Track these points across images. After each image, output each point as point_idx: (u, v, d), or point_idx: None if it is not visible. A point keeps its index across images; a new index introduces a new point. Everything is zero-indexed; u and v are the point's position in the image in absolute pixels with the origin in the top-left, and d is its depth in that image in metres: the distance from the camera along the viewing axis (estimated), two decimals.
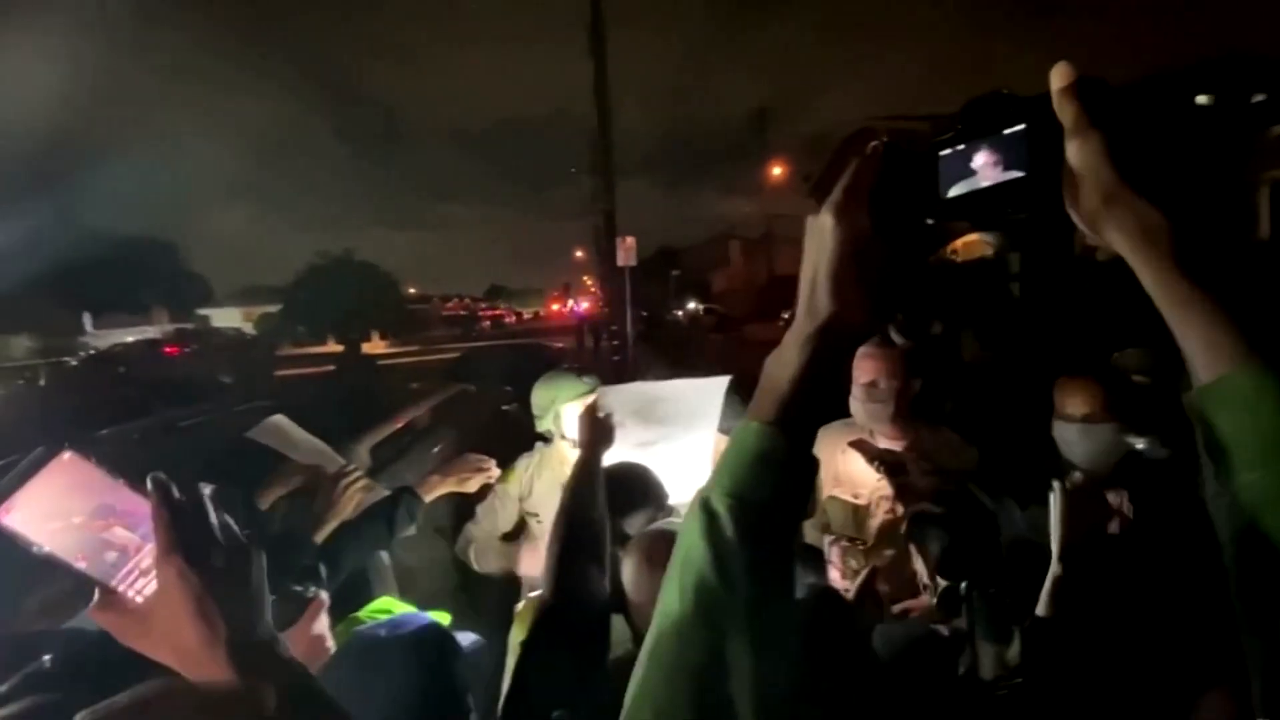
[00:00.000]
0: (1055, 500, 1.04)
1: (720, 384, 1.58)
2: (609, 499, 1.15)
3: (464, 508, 1.96)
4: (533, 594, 1.69)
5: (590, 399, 1.57)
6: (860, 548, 1.61)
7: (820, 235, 0.44)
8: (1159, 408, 1.29)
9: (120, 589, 0.49)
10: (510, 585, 1.83)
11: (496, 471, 1.77)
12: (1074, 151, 0.38)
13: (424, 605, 1.32)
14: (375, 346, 26.51)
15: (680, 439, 1.60)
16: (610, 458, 1.34)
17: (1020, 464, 1.45)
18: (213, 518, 0.52)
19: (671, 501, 1.49)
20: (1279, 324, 0.35)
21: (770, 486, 0.42)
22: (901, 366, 1.62)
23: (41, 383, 12.84)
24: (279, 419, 1.57)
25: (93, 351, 19.07)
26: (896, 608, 1.53)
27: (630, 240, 11.04)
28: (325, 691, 0.54)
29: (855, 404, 1.66)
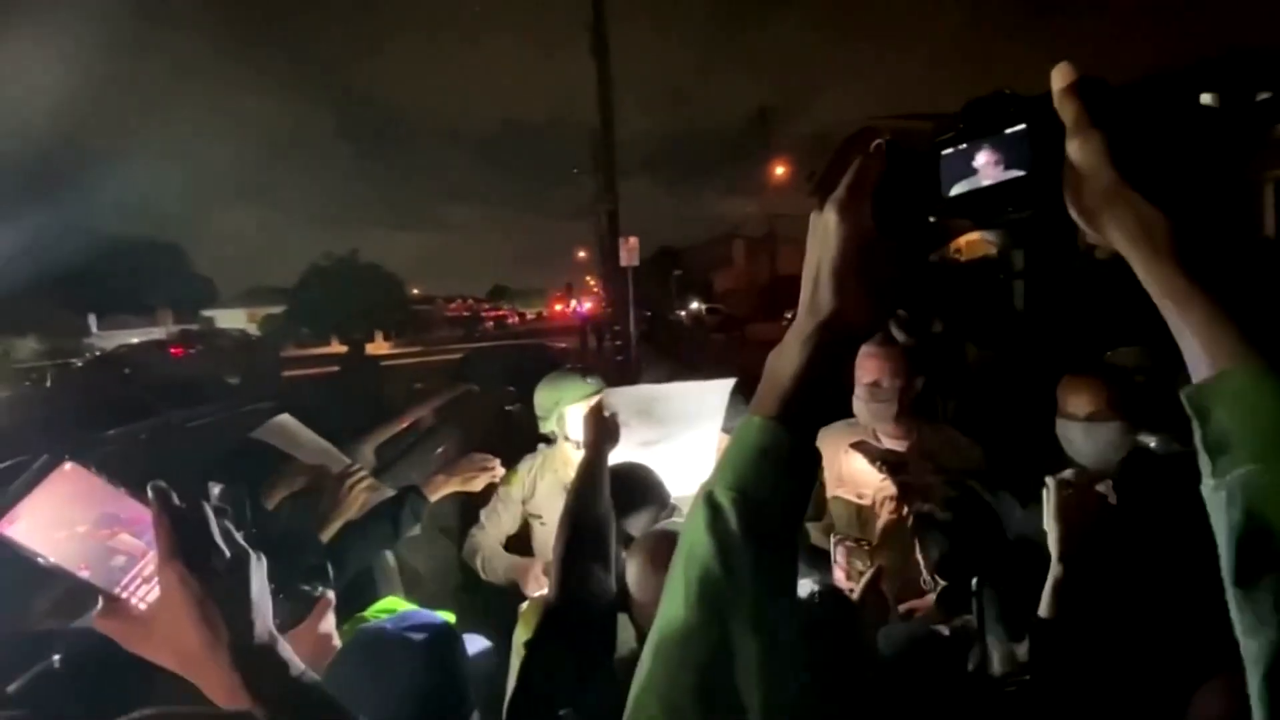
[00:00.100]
0: (1048, 498, 1.03)
1: (724, 386, 1.58)
2: (611, 499, 1.16)
3: (469, 508, 1.97)
4: (536, 594, 1.70)
5: (594, 400, 1.57)
6: (865, 548, 1.61)
7: (823, 233, 0.45)
8: (1161, 405, 1.29)
9: (123, 596, 0.50)
10: (514, 586, 1.84)
11: (502, 470, 1.78)
12: (1074, 151, 0.38)
13: (429, 605, 1.33)
14: (379, 347, 26.56)
15: (684, 440, 1.60)
16: (614, 458, 1.34)
17: (1023, 462, 1.45)
18: (213, 523, 0.53)
19: (675, 501, 1.49)
20: (1277, 320, 0.35)
21: (773, 481, 0.43)
22: (905, 365, 1.62)
23: (48, 384, 12.90)
24: (285, 419, 1.58)
25: (98, 353, 19.16)
26: (902, 608, 1.53)
27: (633, 240, 11.04)
28: (327, 693, 0.55)
29: (859, 404, 1.66)
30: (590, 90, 11.18)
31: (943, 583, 1.14)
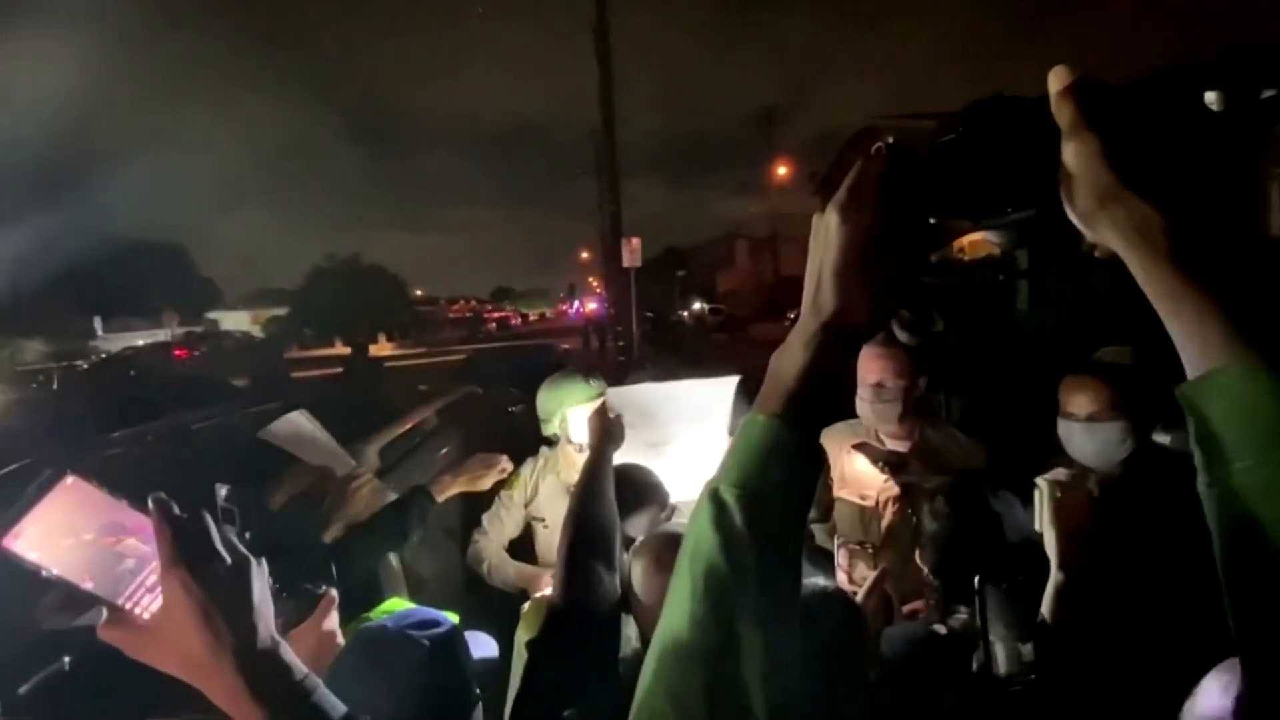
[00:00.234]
0: (1041, 500, 1.02)
1: (728, 384, 1.58)
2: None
3: (472, 510, 1.97)
4: (538, 594, 1.70)
5: (597, 403, 1.57)
6: (869, 551, 1.61)
7: (825, 234, 0.45)
8: (1161, 404, 1.28)
9: (127, 607, 0.50)
10: (519, 590, 1.84)
11: (510, 466, 1.78)
12: (1070, 153, 0.39)
13: (433, 606, 1.33)
14: (382, 348, 26.63)
15: (689, 439, 1.60)
16: (619, 459, 1.34)
17: (1025, 462, 1.44)
18: (214, 531, 0.54)
19: (676, 501, 1.49)
20: (1272, 318, 0.35)
21: (777, 478, 0.43)
22: (908, 366, 1.62)
23: (54, 386, 12.96)
24: (299, 415, 1.59)
25: (104, 355, 19.25)
26: (906, 609, 1.53)
27: (635, 241, 11.05)
28: (330, 696, 0.55)
29: (862, 405, 1.66)
30: (593, 91, 11.21)
31: (943, 583, 1.14)
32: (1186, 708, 0.45)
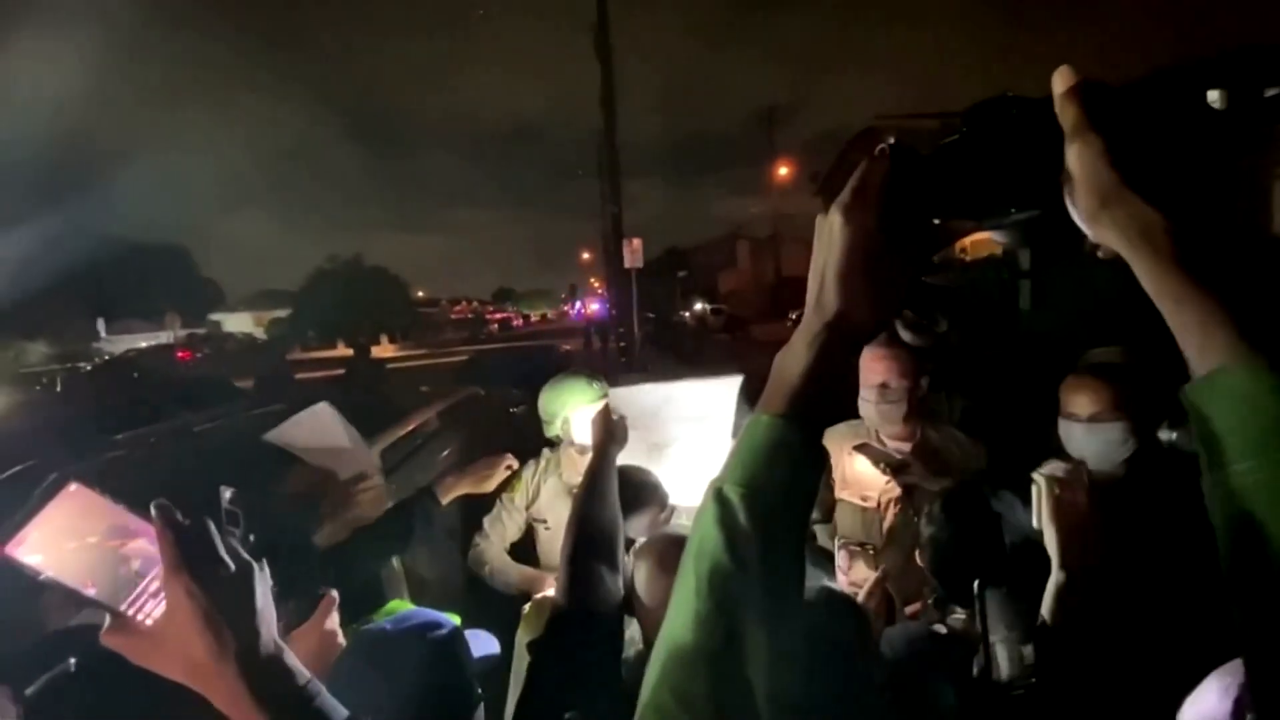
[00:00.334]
0: (1039, 497, 1.01)
1: (731, 385, 1.58)
2: None
3: (474, 511, 1.97)
4: (538, 595, 1.70)
5: (599, 404, 1.57)
6: (870, 552, 1.61)
7: (828, 235, 0.45)
8: (1162, 404, 1.28)
9: (130, 613, 0.51)
10: (521, 593, 1.84)
11: (515, 464, 1.78)
12: (1073, 153, 0.39)
13: (435, 608, 1.33)
14: (385, 350, 26.67)
15: (691, 440, 1.60)
16: (623, 461, 1.34)
17: (1026, 462, 1.44)
18: (217, 536, 0.54)
19: (676, 502, 1.49)
20: (1275, 319, 0.36)
21: (781, 477, 0.43)
22: (912, 366, 1.62)
23: (58, 388, 13.00)
24: (323, 409, 1.58)
25: (107, 357, 19.30)
26: (908, 610, 1.53)
27: (637, 242, 11.04)
28: (332, 700, 0.55)
29: (867, 406, 1.66)
30: (594, 92, 11.21)
31: (943, 585, 1.14)
32: (1185, 710, 0.45)
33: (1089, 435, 1.32)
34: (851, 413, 1.72)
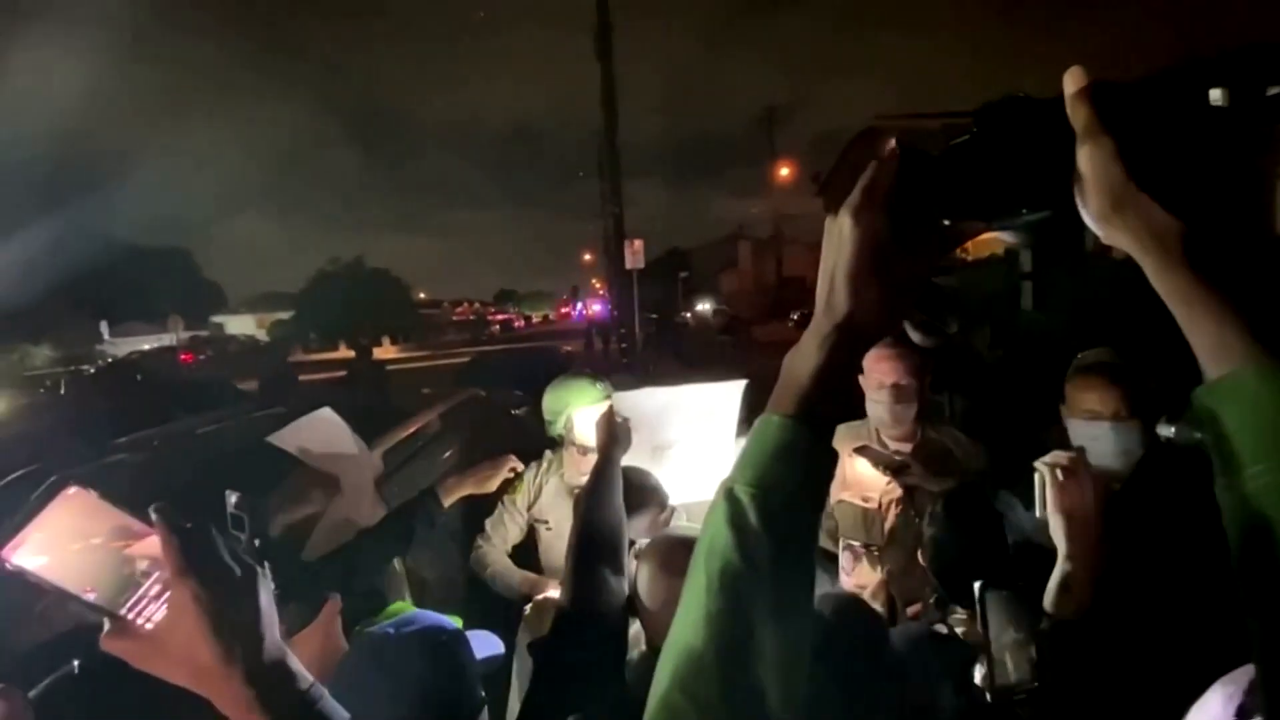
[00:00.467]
0: (1044, 487, 1.00)
1: (736, 388, 1.58)
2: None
3: (476, 513, 1.97)
4: (539, 596, 1.70)
5: (603, 405, 1.57)
6: (875, 554, 1.61)
7: (837, 236, 0.46)
8: (1167, 402, 1.27)
9: (129, 617, 0.50)
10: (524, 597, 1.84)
11: (519, 465, 1.78)
12: (1085, 155, 0.39)
13: (437, 609, 1.33)
14: (386, 351, 26.70)
15: (694, 443, 1.60)
16: (625, 463, 1.34)
17: (1027, 462, 1.43)
18: (219, 539, 0.54)
19: (676, 503, 1.49)
20: None
21: (791, 476, 0.44)
22: (920, 366, 1.62)
23: (62, 391, 13.03)
24: (325, 414, 1.59)
25: (110, 359, 19.34)
26: (909, 610, 1.52)
27: (638, 243, 11.05)
28: (334, 704, 0.55)
29: (877, 407, 1.66)
30: (595, 94, 11.23)
31: (944, 585, 1.13)
32: (1189, 718, 0.44)
33: (1115, 434, 1.29)
34: (856, 413, 1.72)
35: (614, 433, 1.32)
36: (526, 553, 1.94)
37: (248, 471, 1.56)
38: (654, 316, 20.29)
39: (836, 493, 1.70)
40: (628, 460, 1.33)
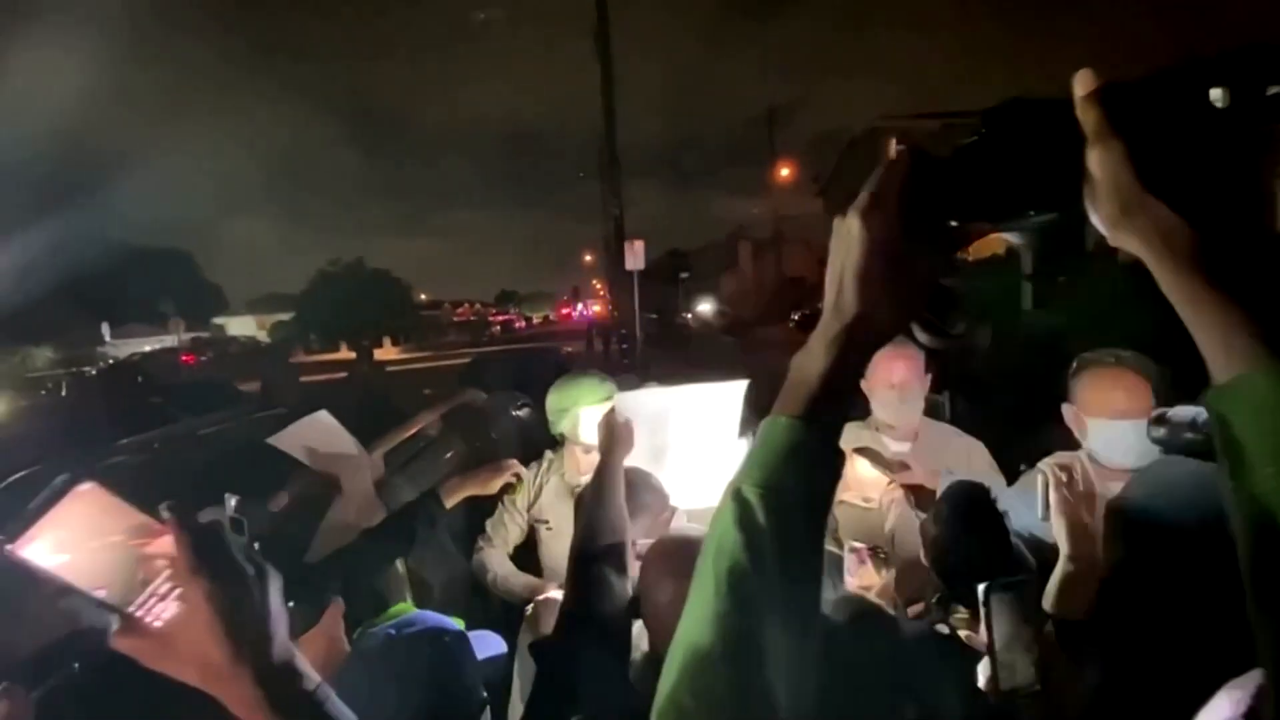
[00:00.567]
0: (1047, 488, 0.99)
1: (738, 388, 1.58)
2: None
3: (478, 514, 1.97)
4: (540, 597, 1.70)
5: (609, 405, 1.57)
6: (881, 556, 1.61)
7: (846, 238, 0.46)
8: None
9: (138, 615, 0.50)
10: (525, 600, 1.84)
11: (522, 471, 1.78)
12: (1095, 159, 0.39)
13: (439, 610, 1.33)
14: (387, 352, 26.73)
15: (696, 444, 1.60)
16: (627, 464, 1.34)
17: (1027, 461, 1.42)
18: (231, 538, 0.54)
19: (678, 505, 1.49)
20: None
21: (799, 477, 0.44)
22: (926, 365, 1.63)
23: (63, 393, 13.05)
24: (322, 417, 1.59)
25: (112, 361, 19.37)
26: (911, 610, 1.52)
27: (638, 243, 11.05)
28: (341, 704, 0.56)
29: (884, 407, 1.66)
30: (595, 95, 11.24)
31: (948, 585, 1.13)
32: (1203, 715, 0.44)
33: (1141, 434, 1.27)
34: (859, 415, 1.72)
35: (616, 434, 1.32)
36: (527, 552, 1.94)
37: (249, 473, 1.56)
38: (655, 317, 20.31)
39: (837, 494, 1.70)
40: (629, 461, 1.33)
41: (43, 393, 13.62)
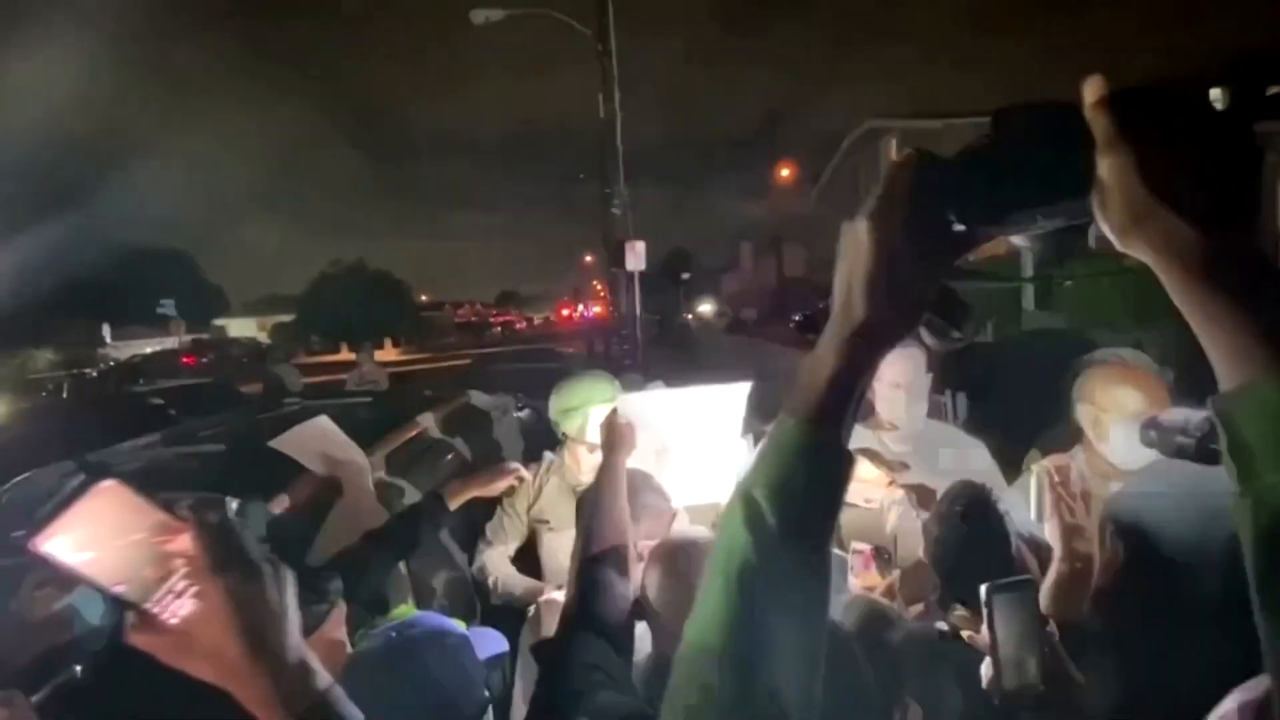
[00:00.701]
0: (1039, 489, 1.00)
1: (741, 389, 1.58)
2: None
3: (482, 515, 1.97)
4: (542, 598, 1.70)
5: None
6: (885, 557, 1.61)
7: (854, 242, 0.46)
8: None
9: (155, 611, 0.50)
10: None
11: (526, 474, 1.78)
12: (1105, 166, 0.39)
13: (440, 612, 1.33)
14: (388, 354, 26.74)
15: (699, 445, 1.60)
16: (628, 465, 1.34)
17: (1029, 462, 1.42)
18: (249, 537, 0.54)
19: (680, 506, 1.49)
20: None
21: (808, 480, 0.44)
22: (929, 364, 1.63)
23: (64, 394, 13.07)
24: (322, 421, 1.59)
25: (112, 362, 19.38)
26: (911, 610, 1.52)
27: (639, 244, 11.04)
28: (350, 704, 0.56)
29: (889, 405, 1.66)
30: (595, 95, 11.24)
31: (949, 585, 1.13)
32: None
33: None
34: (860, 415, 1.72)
35: (618, 435, 1.33)
36: (529, 557, 1.94)
37: (250, 475, 1.56)
38: (656, 318, 20.31)
39: None
40: (631, 462, 1.33)
41: (43, 394, 13.63)
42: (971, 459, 1.68)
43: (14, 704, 0.68)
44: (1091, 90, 0.39)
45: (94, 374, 16.48)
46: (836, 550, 1.70)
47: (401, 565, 1.81)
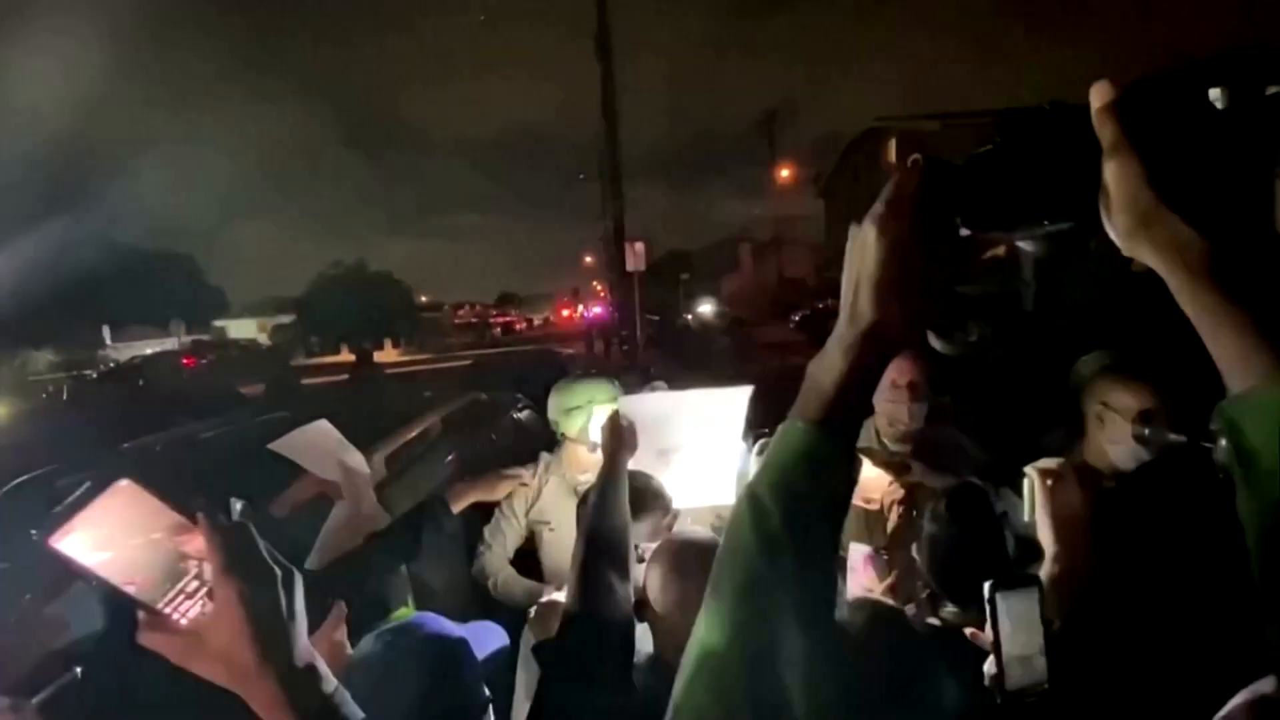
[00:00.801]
0: (1032, 490, 1.00)
1: (743, 393, 1.58)
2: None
3: (483, 516, 1.97)
4: (543, 599, 1.70)
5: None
6: (885, 557, 1.60)
7: (862, 246, 0.46)
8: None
9: (166, 612, 0.51)
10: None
11: (529, 479, 1.77)
12: (1111, 171, 0.39)
13: (441, 613, 1.33)
14: (388, 355, 26.74)
15: (700, 446, 1.60)
16: (629, 467, 1.34)
17: (1028, 461, 1.42)
18: (261, 541, 0.54)
19: (680, 507, 1.49)
20: None
21: (815, 482, 0.45)
22: (932, 365, 1.63)
23: (64, 396, 13.07)
24: (321, 425, 1.59)
25: (113, 364, 19.39)
26: (911, 611, 1.52)
27: (639, 245, 11.06)
28: (355, 707, 0.56)
29: (892, 405, 1.66)
30: (595, 96, 11.26)
31: (944, 585, 1.13)
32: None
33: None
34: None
35: (619, 436, 1.33)
36: (529, 558, 1.94)
37: (251, 477, 1.56)
38: (656, 318, 20.30)
39: None
40: (633, 463, 1.33)
41: (44, 396, 13.64)
42: (971, 460, 1.68)
43: (15, 706, 0.68)
44: (1098, 95, 0.39)
45: (94, 375, 16.48)
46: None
47: (402, 567, 1.81)
